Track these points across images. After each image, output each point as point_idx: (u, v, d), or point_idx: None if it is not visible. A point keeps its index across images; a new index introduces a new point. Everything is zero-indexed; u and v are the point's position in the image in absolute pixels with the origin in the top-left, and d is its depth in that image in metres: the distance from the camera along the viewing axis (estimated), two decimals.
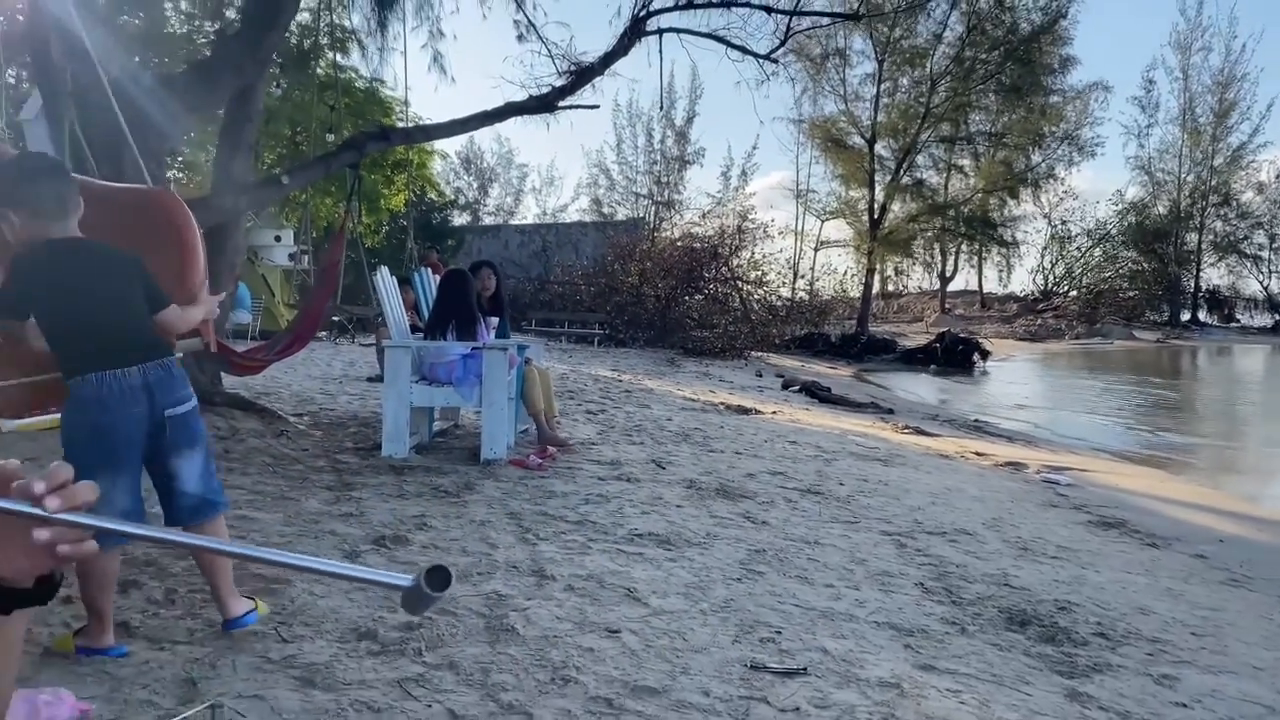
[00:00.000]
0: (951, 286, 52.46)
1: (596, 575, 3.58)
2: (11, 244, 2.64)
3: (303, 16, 10.87)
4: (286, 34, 8.61)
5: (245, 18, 6.91)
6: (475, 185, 41.50)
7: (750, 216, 23.85)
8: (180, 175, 16.32)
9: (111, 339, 2.67)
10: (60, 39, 5.76)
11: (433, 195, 24.70)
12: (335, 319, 15.38)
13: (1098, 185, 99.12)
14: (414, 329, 6.98)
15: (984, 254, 51.01)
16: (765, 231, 23.02)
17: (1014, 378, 21.66)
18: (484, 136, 44.34)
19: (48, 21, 5.84)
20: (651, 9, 8.14)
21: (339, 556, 3.65)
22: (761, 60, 8.92)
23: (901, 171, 32.04)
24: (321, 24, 11.55)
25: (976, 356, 23.71)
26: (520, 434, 6.75)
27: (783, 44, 9.19)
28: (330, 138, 12.81)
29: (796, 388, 13.77)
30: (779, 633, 3.09)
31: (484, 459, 5.75)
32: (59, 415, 3.37)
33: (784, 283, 24.98)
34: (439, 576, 0.79)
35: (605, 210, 36.58)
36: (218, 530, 2.90)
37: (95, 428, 2.59)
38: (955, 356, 23.44)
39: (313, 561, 0.84)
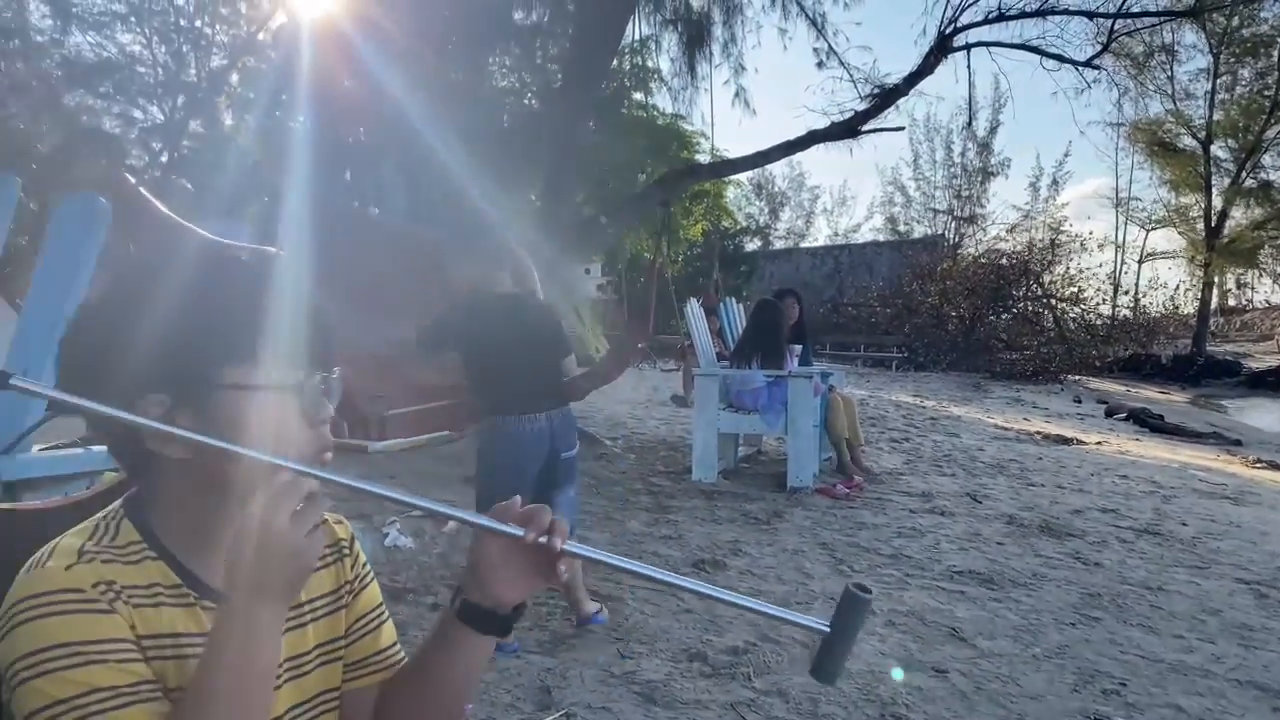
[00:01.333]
0: None
1: (917, 612, 3.52)
2: (453, 291, 3.12)
3: (614, 62, 11.58)
4: (602, 84, 9.23)
5: (568, 72, 7.51)
6: (766, 210, 41.85)
7: (1063, 228, 22.22)
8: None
9: (534, 387, 3.09)
10: (410, 104, 6.58)
11: (726, 223, 25.26)
12: (639, 345, 16.13)
13: None
14: (719, 356, 7.20)
15: None
16: (1081, 244, 21.32)
17: None
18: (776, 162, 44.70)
19: (398, 88, 6.70)
20: (960, 25, 7.89)
21: None
22: (1080, 68, 8.35)
23: (1244, 174, 28.41)
24: (630, 67, 12.24)
25: None
26: (824, 461, 6.75)
27: (1105, 48, 8.56)
28: (641, 177, 13.47)
29: (1123, 415, 12.61)
30: (1123, 685, 2.89)
31: (790, 487, 5.81)
32: (418, 438, 3.85)
33: (1103, 299, 22.80)
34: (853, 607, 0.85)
35: (901, 229, 35.50)
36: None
37: (511, 461, 3.01)
38: None
39: (734, 597, 0.92)
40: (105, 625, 0.84)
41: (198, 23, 18.32)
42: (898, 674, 2.65)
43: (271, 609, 0.85)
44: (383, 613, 1.15)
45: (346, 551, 1.13)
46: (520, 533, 0.94)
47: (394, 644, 1.15)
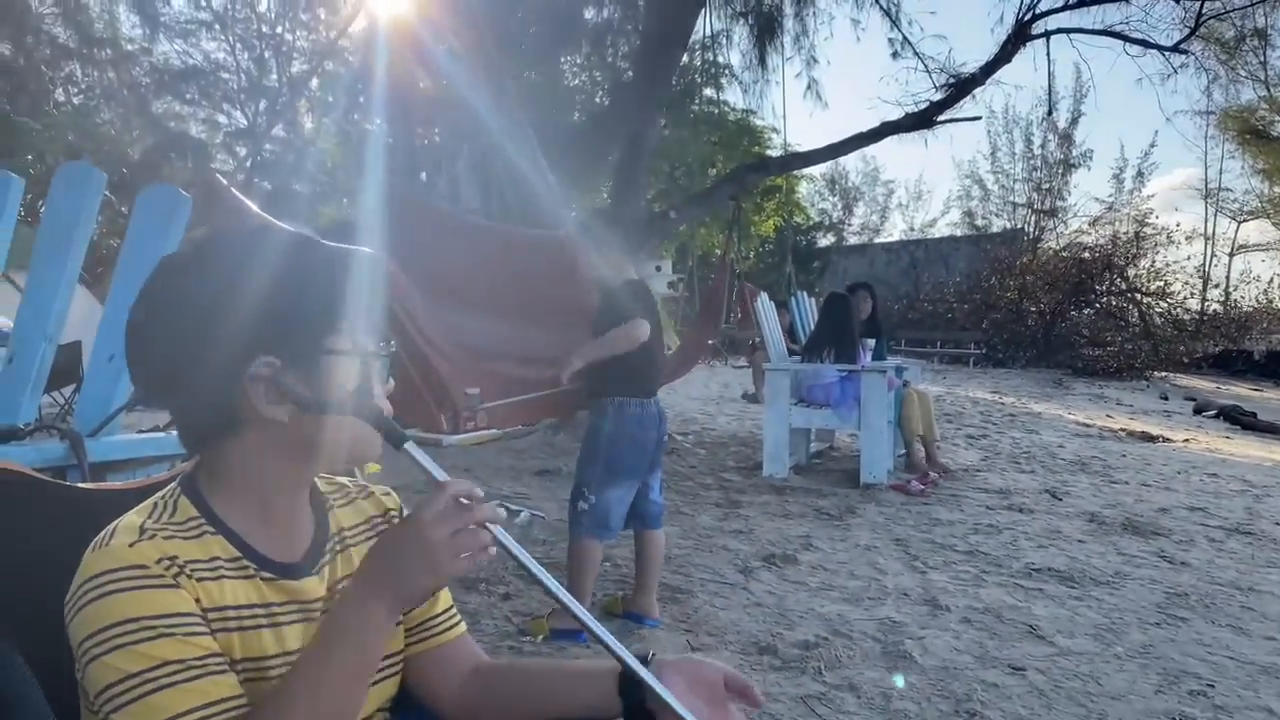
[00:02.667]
0: None
1: (993, 609, 3.45)
2: (588, 274, 3.23)
3: (684, 58, 11.59)
4: (672, 79, 9.23)
5: (637, 65, 7.53)
6: (840, 205, 41.31)
7: (1149, 221, 21.42)
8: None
9: (655, 371, 3.23)
10: (486, 102, 6.66)
11: (799, 219, 25.03)
12: (710, 342, 16.10)
13: None
14: (789, 352, 7.14)
15: None
16: (1168, 237, 20.54)
17: None
18: (849, 156, 44.13)
19: (474, 87, 6.79)
20: (1038, 11, 7.70)
21: (733, 571, 3.85)
22: (1166, 53, 8.06)
23: None
24: (701, 63, 12.24)
25: None
26: (898, 458, 6.65)
27: (1193, 32, 8.24)
28: (711, 171, 13.47)
29: (1212, 412, 12.13)
30: (1211, 686, 2.79)
31: (864, 482, 5.74)
32: (490, 432, 3.91)
33: (1192, 293, 21.92)
34: None
35: (979, 223, 34.66)
36: (661, 539, 3.31)
37: (634, 440, 3.09)
38: None
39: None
40: (171, 599, 0.87)
41: (279, 29, 18.85)
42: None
43: (394, 606, 0.89)
44: None
45: (396, 520, 1.16)
46: None
47: (450, 608, 1.18)
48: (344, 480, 1.18)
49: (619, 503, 3.07)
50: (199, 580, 0.90)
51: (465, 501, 0.89)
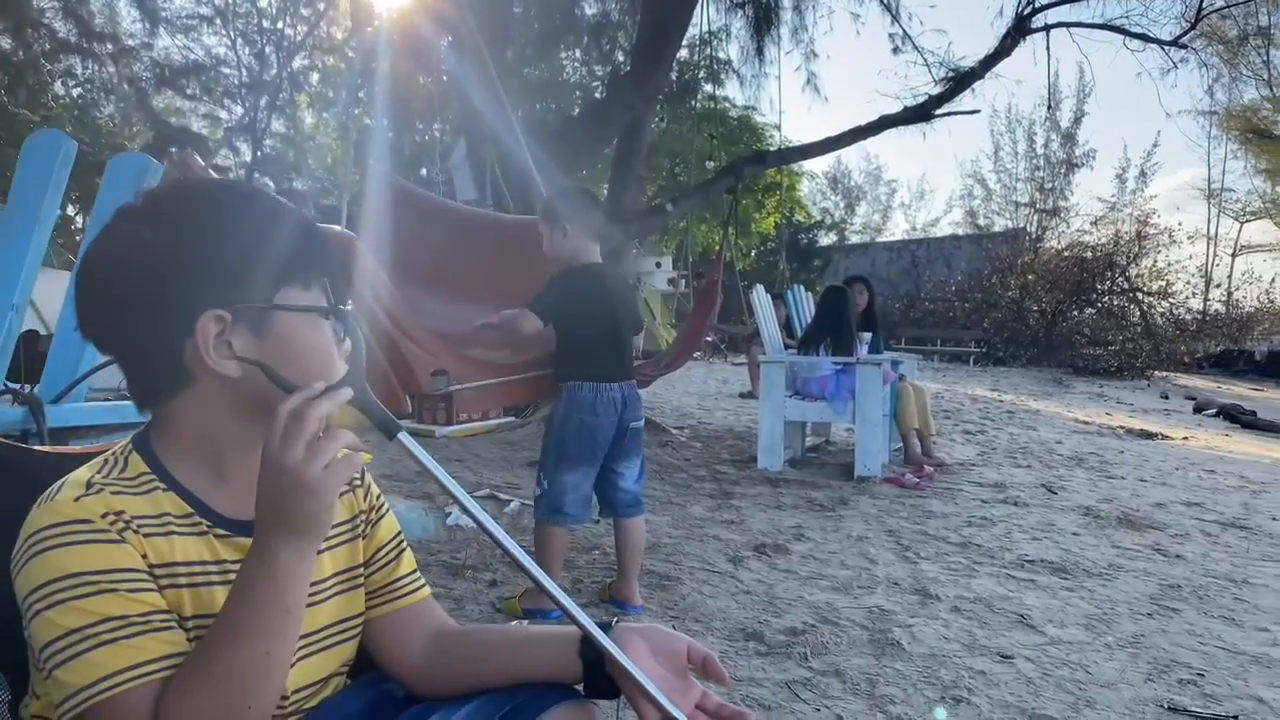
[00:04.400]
0: None
1: (984, 599, 3.41)
2: (548, 253, 3.15)
3: (682, 54, 11.57)
4: (669, 71, 9.20)
5: (634, 58, 7.49)
6: (842, 204, 41.24)
7: (1151, 221, 21.34)
8: None
9: (615, 358, 3.15)
10: (480, 94, 6.63)
11: (800, 217, 24.99)
12: (709, 339, 16.08)
13: None
14: (785, 346, 7.11)
15: None
16: (1170, 237, 20.47)
17: None
18: (851, 154, 44.06)
19: (470, 80, 6.77)
20: (1038, 4, 7.65)
21: (723, 560, 3.82)
22: (1167, 47, 8.02)
23: None
24: (699, 58, 12.21)
25: None
26: (894, 452, 6.61)
27: (1194, 26, 8.20)
28: (710, 164, 13.45)
29: (1212, 411, 12.08)
30: (1201, 675, 2.75)
31: (858, 475, 5.71)
32: (483, 424, 3.89)
33: (1194, 293, 21.86)
34: None
35: (981, 222, 34.60)
36: (640, 528, 3.26)
37: (585, 425, 3.05)
38: None
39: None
40: (115, 554, 0.84)
41: (280, 24, 18.83)
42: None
43: (295, 545, 0.84)
44: (402, 543, 1.15)
45: (359, 482, 1.13)
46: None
47: (413, 571, 1.15)
48: None
49: (573, 488, 3.04)
50: (147, 536, 0.88)
51: (307, 414, 0.83)
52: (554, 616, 2.90)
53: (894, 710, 2.38)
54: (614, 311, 3.15)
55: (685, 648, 1.02)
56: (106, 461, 0.94)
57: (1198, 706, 2.50)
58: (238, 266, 0.91)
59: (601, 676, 1.01)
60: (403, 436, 0.88)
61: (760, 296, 6.58)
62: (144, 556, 0.87)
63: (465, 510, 0.89)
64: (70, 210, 15.53)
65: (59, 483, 0.89)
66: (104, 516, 0.85)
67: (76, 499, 0.86)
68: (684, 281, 18.46)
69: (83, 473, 0.91)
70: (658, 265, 17.93)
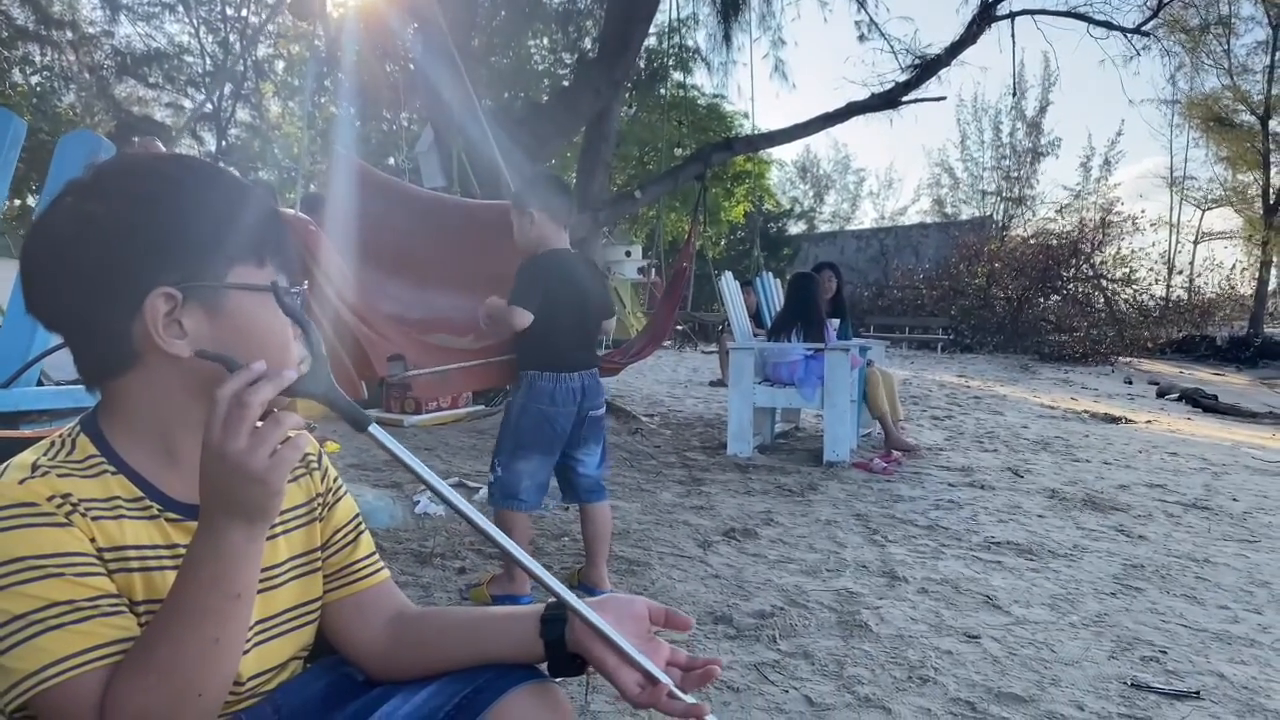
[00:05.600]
0: None
1: (951, 580, 3.44)
2: (517, 241, 3.12)
3: (650, 41, 11.54)
4: (637, 57, 9.17)
5: (602, 44, 7.45)
6: (811, 193, 41.39)
7: (1115, 209, 21.62)
8: None
9: (575, 345, 3.11)
10: (446, 82, 6.57)
11: (770, 205, 25.04)
12: (680, 327, 16.09)
13: None
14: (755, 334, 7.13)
15: None
16: (1134, 224, 20.75)
17: None
18: (820, 143, 44.28)
19: (436, 68, 6.70)
20: None
21: (693, 545, 3.82)
22: (1130, 35, 8.10)
23: None
24: (667, 45, 12.18)
25: None
26: (863, 437, 6.65)
27: (1155, 14, 8.29)
28: (678, 151, 13.44)
29: (1175, 395, 12.27)
30: (1163, 652, 2.79)
31: (827, 460, 5.74)
32: (452, 412, 3.83)
33: (1157, 280, 22.20)
34: None
35: (948, 210, 34.89)
36: (605, 512, 3.25)
37: (543, 415, 3.03)
38: None
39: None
40: (61, 538, 0.82)
41: (243, 11, 18.53)
42: None
43: (243, 530, 0.82)
44: (359, 525, 1.14)
45: (315, 465, 1.12)
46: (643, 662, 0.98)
47: (371, 554, 1.13)
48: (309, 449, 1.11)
49: (528, 476, 3.02)
50: (95, 519, 0.85)
51: (248, 399, 0.80)
52: (524, 603, 2.89)
53: (862, 690, 2.40)
54: (581, 299, 3.11)
55: (645, 609, 1.03)
56: (54, 444, 0.91)
57: (1160, 683, 2.53)
58: (189, 243, 0.89)
59: (564, 655, 1.00)
60: (374, 429, 0.87)
61: (729, 284, 6.58)
62: (92, 540, 0.85)
63: (440, 497, 0.89)
64: (31, 201, 15.23)
65: (4, 466, 0.87)
66: (50, 499, 0.83)
67: (21, 481, 0.84)
68: (654, 270, 18.45)
69: (28, 455, 0.88)
70: (627, 254, 17.90)
